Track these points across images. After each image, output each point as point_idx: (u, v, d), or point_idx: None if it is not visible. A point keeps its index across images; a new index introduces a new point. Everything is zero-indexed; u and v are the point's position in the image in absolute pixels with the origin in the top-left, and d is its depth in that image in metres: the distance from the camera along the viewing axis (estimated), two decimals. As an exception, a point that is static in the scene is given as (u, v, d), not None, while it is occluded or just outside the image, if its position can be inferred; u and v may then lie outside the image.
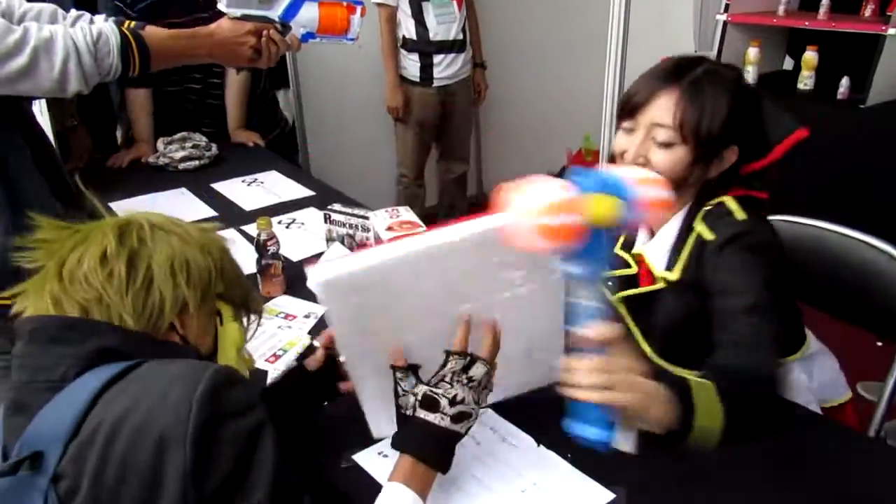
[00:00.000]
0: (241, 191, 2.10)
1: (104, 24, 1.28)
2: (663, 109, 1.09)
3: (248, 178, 2.18)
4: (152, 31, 1.33)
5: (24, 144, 1.30)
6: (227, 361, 0.87)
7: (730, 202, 1.11)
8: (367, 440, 1.04)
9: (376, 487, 0.96)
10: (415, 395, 0.89)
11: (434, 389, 0.88)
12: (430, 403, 0.88)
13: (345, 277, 0.84)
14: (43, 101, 1.90)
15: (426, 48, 3.11)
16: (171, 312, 0.78)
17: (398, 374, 0.92)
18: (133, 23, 1.35)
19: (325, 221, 1.58)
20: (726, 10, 2.97)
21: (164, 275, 0.78)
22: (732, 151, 1.11)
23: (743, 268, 1.05)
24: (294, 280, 1.53)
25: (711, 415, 0.86)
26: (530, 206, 0.72)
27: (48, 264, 0.78)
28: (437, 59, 3.13)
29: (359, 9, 1.55)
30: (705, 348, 1.04)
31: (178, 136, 2.32)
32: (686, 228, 1.15)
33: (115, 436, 0.64)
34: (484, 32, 3.41)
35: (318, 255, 1.57)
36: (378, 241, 1.37)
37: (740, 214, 1.09)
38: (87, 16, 1.40)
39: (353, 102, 3.47)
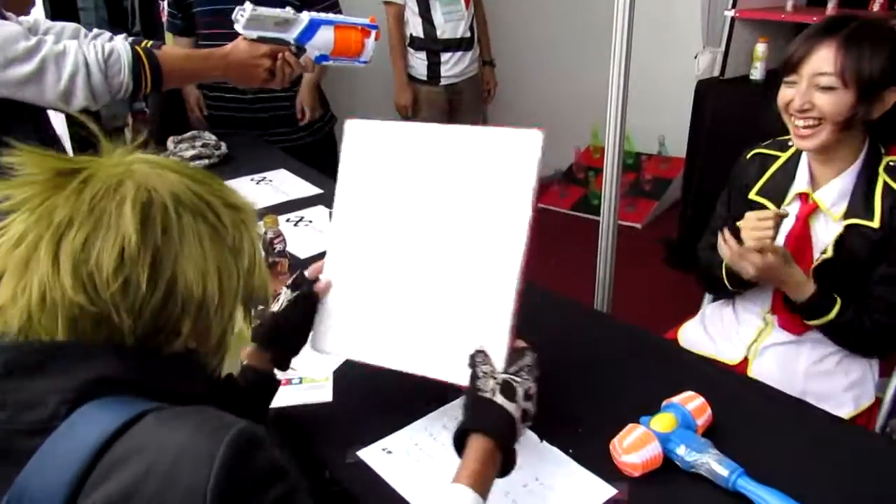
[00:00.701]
0: (250, 189, 2.11)
1: (117, 43, 1.32)
2: (823, 59, 1.19)
3: (257, 176, 2.20)
4: (167, 51, 1.38)
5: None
6: (231, 361, 0.79)
7: None
8: (372, 437, 1.05)
9: (380, 484, 0.97)
10: (495, 379, 0.88)
11: (514, 378, 0.88)
12: (508, 391, 0.86)
13: (373, 124, 1.08)
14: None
15: (434, 46, 3.11)
16: (187, 338, 0.67)
17: (478, 358, 0.92)
18: (150, 42, 1.37)
19: (330, 219, 1.59)
20: (734, 5, 2.96)
21: (190, 295, 0.65)
22: (893, 92, 1.20)
23: None
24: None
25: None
26: (620, 451, 0.97)
27: (38, 231, 0.62)
28: (444, 57, 3.13)
29: (373, 33, 1.59)
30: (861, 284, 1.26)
31: (188, 134, 2.35)
32: (869, 177, 1.26)
33: None
34: (491, 30, 3.41)
35: (324, 253, 1.58)
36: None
37: None
38: (107, 34, 1.43)
39: (359, 101, 3.48)
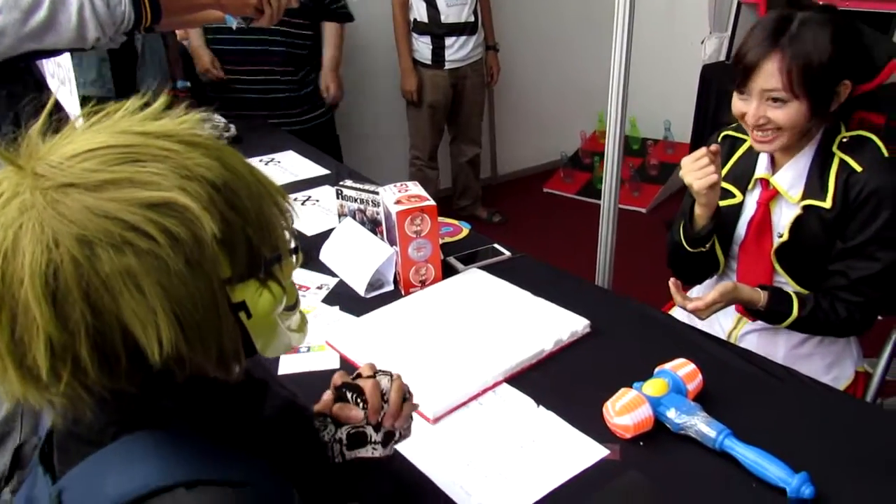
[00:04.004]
0: (259, 169, 2.15)
1: None
2: (769, 75, 1.17)
3: (266, 157, 2.24)
4: None
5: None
6: (268, 337, 0.69)
7: (873, 137, 1.23)
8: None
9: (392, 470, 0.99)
10: (339, 440, 0.82)
11: (351, 427, 0.82)
12: (355, 441, 0.81)
13: (488, 277, 1.44)
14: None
15: (437, 31, 3.13)
16: (187, 370, 0.57)
17: (318, 424, 0.83)
18: None
19: (338, 197, 1.62)
20: (740, -10, 2.97)
21: (145, 346, 0.53)
22: (845, 86, 1.20)
23: (881, 208, 1.19)
24: (307, 254, 1.58)
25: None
26: (612, 413, 1.01)
27: None
28: (448, 41, 3.15)
29: None
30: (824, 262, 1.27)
31: (197, 117, 2.39)
32: (824, 157, 1.25)
33: None
34: (495, 14, 3.43)
35: (331, 231, 1.62)
36: (388, 215, 1.42)
37: (885, 150, 1.21)
38: None
39: (365, 85, 3.50)
